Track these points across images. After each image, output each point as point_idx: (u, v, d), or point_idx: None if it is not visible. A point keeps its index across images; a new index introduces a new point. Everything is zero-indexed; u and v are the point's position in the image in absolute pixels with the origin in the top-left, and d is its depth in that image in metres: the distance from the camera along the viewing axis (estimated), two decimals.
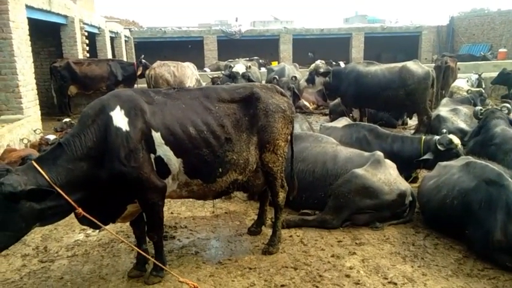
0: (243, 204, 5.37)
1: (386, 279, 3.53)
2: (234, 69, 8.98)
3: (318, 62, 9.41)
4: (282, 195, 4.12)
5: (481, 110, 6.29)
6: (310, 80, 9.63)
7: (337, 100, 10.22)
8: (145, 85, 11.96)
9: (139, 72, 12.93)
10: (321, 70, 9.19)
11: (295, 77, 9.22)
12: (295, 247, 4.13)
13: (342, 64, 16.01)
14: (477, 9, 32.62)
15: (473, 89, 10.70)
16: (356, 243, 4.20)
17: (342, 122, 7.08)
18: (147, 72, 11.66)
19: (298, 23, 35.97)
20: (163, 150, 3.30)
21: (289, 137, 4.07)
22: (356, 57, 27.70)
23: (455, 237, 4.16)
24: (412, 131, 9.04)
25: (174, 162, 3.35)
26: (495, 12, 27.92)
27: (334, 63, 18.27)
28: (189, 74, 10.34)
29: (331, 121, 8.97)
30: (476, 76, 12.95)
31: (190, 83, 10.55)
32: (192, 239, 4.35)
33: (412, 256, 3.92)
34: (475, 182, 3.98)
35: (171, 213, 5.08)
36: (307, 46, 28.87)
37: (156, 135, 3.28)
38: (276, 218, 4.15)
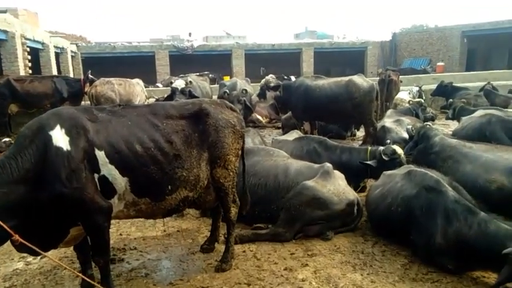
0: (196, 221, 5.28)
1: None
2: (173, 85, 8.90)
3: (268, 77, 9.60)
4: (234, 211, 4.11)
5: (412, 128, 6.77)
6: (262, 95, 9.79)
7: (289, 113, 10.43)
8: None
9: (86, 89, 12.43)
10: (271, 84, 9.37)
11: (245, 90, 9.32)
12: (248, 262, 4.11)
13: (293, 78, 16.39)
14: (417, 26, 34.95)
15: (414, 100, 11.35)
16: (308, 254, 4.26)
17: (293, 135, 7.23)
18: (88, 90, 11.21)
19: (250, 38, 36.44)
20: (108, 169, 3.19)
21: (240, 152, 4.09)
22: (307, 71, 28.50)
23: (402, 243, 4.33)
24: (360, 142, 9.39)
25: (120, 181, 3.25)
26: (433, 29, 30.00)
27: (285, 77, 18.67)
28: (138, 91, 10.06)
29: (284, 134, 9.12)
30: (417, 88, 13.76)
31: (139, 101, 10.25)
32: (142, 261, 4.20)
33: (361, 264, 4.03)
34: (416, 189, 4.19)
35: (120, 234, 4.89)
36: (260, 61, 29.36)
37: (100, 154, 3.17)
38: (229, 234, 4.12)
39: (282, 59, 29.63)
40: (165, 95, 9.35)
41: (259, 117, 12.87)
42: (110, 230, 4.73)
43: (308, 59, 29.75)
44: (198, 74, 18.81)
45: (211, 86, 14.87)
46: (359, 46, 31.34)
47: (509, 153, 5.35)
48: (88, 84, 12.38)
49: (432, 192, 4.01)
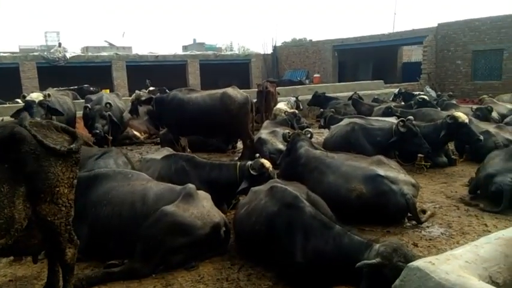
0: (37, 266, 4.38)
1: None
2: (28, 98, 7.63)
3: (138, 91, 8.93)
4: (70, 252, 3.42)
5: (288, 133, 6.73)
6: (134, 111, 9.07)
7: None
8: None
9: None
10: (143, 98, 8.72)
11: (109, 103, 8.47)
12: None
13: None
14: (296, 40, 37.27)
15: (289, 110, 11.73)
16: None
17: (163, 152, 6.71)
18: None
19: (136, 49, 34.76)
20: None
21: (75, 181, 3.44)
22: (193, 83, 28.12)
23: (267, 264, 4.12)
24: (240, 155, 9.26)
25: None
26: (308, 43, 32.23)
27: (167, 91, 18.03)
28: None
29: None
30: (294, 99, 14.35)
31: None
32: None
33: None
34: (277, 206, 4.01)
35: None
36: (144, 73, 27.94)
37: None
38: (65, 281, 3.44)
39: (168, 71, 28.75)
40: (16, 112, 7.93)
41: (136, 133, 12.00)
42: None
43: (194, 71, 29.44)
44: (75, 87, 17.13)
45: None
46: (243, 58, 32.10)
47: (367, 161, 5.61)
48: None
49: (291, 209, 3.86)
